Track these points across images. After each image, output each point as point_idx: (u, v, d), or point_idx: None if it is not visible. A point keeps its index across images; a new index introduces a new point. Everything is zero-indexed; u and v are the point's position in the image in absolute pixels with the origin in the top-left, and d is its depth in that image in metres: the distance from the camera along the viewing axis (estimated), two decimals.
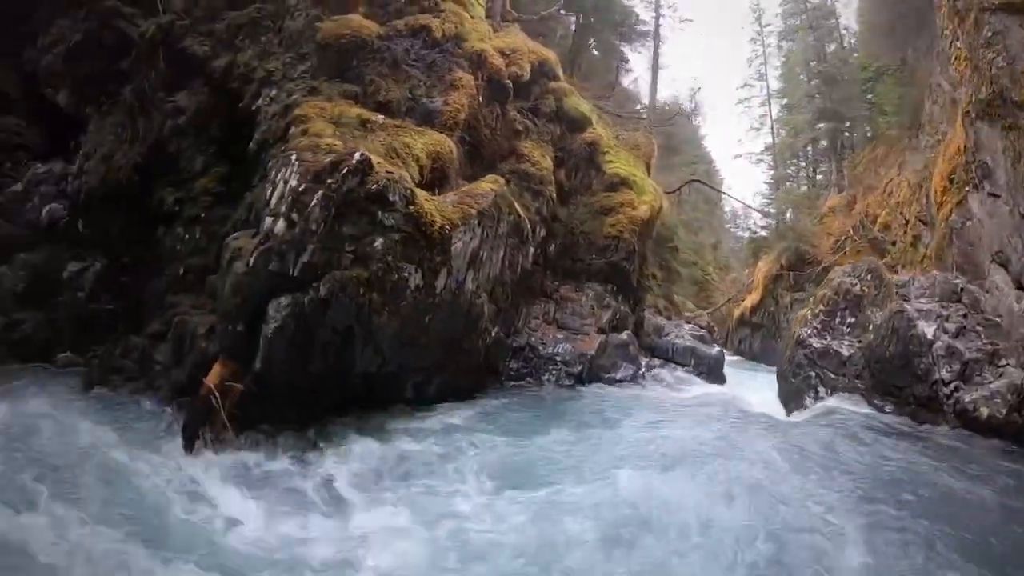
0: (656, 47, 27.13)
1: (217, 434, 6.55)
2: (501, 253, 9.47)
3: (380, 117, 9.26)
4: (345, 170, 7.28)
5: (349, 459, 6.60)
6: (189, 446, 6.50)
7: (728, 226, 42.41)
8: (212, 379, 6.73)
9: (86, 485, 5.52)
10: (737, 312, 25.30)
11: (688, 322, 17.26)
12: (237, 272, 6.99)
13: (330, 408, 7.43)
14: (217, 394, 6.58)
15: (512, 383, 10.10)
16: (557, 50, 14.61)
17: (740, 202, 35.10)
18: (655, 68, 27.63)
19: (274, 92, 9.63)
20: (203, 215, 9.25)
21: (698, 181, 23.02)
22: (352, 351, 7.32)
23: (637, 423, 8.60)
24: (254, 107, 9.62)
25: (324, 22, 10.10)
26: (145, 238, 9.49)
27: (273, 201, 7.22)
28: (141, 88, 10.46)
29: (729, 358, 19.83)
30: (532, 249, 10.67)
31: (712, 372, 13.04)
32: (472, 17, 11.60)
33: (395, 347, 7.65)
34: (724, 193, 31.88)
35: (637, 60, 34.74)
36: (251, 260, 6.90)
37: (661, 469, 6.58)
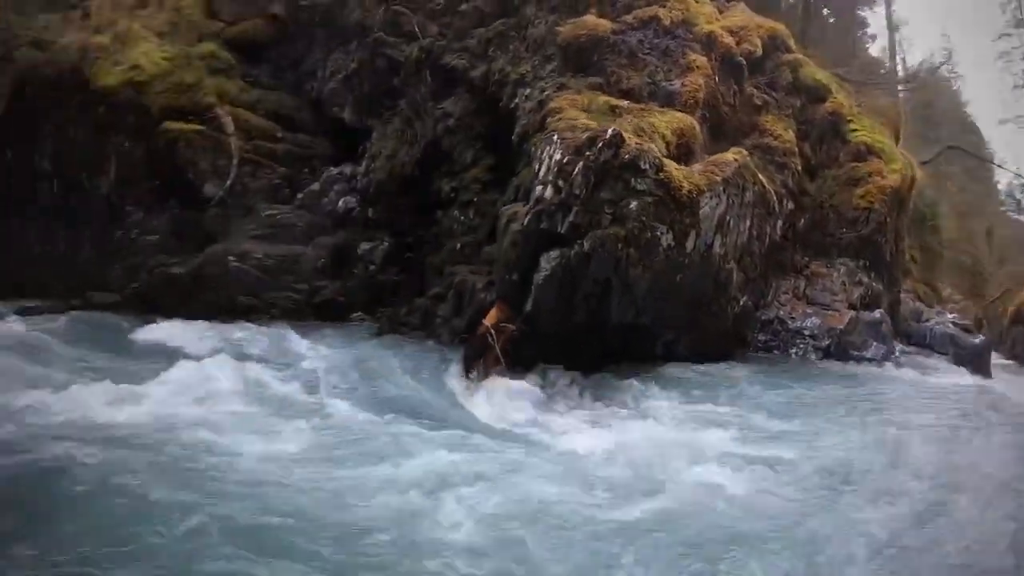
0: (888, 5, 25.07)
1: (490, 367, 7.72)
2: (748, 222, 9.73)
3: (625, 102, 9.96)
4: (600, 144, 8.12)
5: (624, 396, 7.32)
6: (466, 374, 7.80)
7: (1005, 209, 35.69)
8: (489, 320, 7.89)
9: (399, 395, 6.87)
10: (1011, 309, 22.34)
11: (952, 313, 15.86)
12: (513, 231, 8.15)
13: (590, 360, 8.20)
14: (493, 332, 7.72)
15: (759, 353, 10.17)
16: (786, 21, 14.31)
17: (1012, 171, 29.43)
18: (891, 28, 25.58)
19: (528, 91, 10.69)
20: (475, 199, 10.63)
21: (956, 147, 20.79)
22: (609, 302, 8.10)
23: (890, 391, 8.58)
24: (512, 105, 10.76)
25: (562, 26, 11.00)
26: (425, 221, 11.08)
27: (541, 173, 8.29)
28: (413, 99, 12.17)
29: (1000, 362, 17.70)
30: (780, 222, 10.76)
31: (974, 363, 11.83)
32: (696, 2, 11.97)
33: (648, 300, 8.30)
34: (989, 162, 27.67)
35: (876, 23, 31.39)
36: (525, 220, 8.03)
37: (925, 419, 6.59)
